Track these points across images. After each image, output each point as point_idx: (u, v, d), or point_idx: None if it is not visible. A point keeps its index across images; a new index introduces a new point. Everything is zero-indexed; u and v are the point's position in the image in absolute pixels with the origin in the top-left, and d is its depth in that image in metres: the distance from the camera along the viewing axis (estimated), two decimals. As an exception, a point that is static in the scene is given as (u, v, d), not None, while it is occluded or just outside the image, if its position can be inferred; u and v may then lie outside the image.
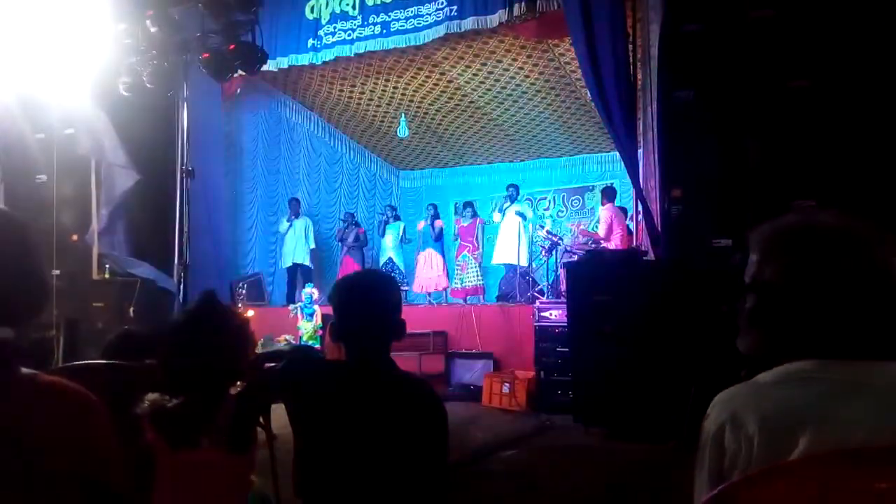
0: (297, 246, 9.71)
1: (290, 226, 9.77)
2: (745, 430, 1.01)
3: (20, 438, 0.98)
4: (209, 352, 1.74)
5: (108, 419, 1.09)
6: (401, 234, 10.15)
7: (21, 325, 1.07)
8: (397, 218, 10.38)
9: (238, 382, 1.90)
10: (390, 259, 10.04)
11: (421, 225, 9.77)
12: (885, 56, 4.42)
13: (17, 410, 1.00)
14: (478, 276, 9.27)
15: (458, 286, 9.34)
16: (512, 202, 9.16)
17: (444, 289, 9.47)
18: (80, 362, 2.43)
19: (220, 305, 1.86)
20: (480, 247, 9.54)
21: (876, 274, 1.02)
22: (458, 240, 9.58)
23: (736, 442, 1.02)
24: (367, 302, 1.80)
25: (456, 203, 10.86)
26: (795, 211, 1.10)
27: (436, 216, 9.75)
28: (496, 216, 9.34)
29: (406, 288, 9.35)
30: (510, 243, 8.94)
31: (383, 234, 10.28)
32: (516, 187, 9.45)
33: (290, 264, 9.73)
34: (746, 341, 1.14)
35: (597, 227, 9.04)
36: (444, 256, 9.62)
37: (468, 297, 9.13)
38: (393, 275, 8.83)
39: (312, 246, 9.89)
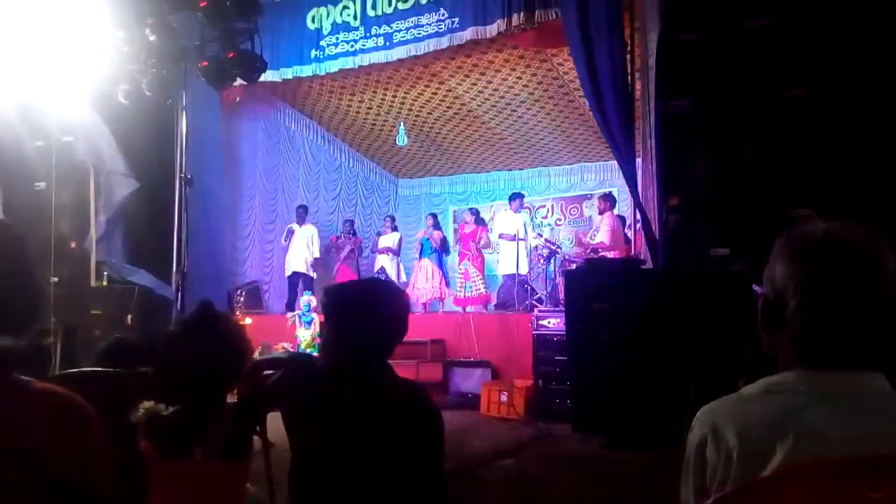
0: (300, 254, 9.63)
1: (292, 234, 9.68)
2: (725, 442, 1.00)
3: (11, 445, 0.97)
4: (207, 359, 1.73)
5: (100, 426, 1.08)
6: (396, 243, 10.10)
7: (17, 333, 1.06)
8: (395, 228, 10.36)
9: (235, 390, 1.89)
10: (382, 268, 9.97)
11: (420, 234, 9.72)
12: (881, 65, 4.43)
13: (8, 417, 0.99)
14: (483, 284, 9.06)
15: (462, 295, 9.06)
16: (516, 210, 9.10)
17: (443, 298, 9.34)
18: (72, 370, 2.42)
19: (218, 313, 1.86)
20: (482, 254, 9.37)
21: (878, 286, 0.99)
22: (459, 246, 9.45)
23: (717, 455, 1.00)
24: (355, 310, 1.79)
25: (455, 211, 10.83)
26: (810, 219, 1.06)
27: (435, 227, 9.69)
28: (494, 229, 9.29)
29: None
30: (510, 254, 8.89)
31: (376, 248, 10.22)
32: (521, 197, 9.35)
33: (292, 272, 9.63)
34: (763, 340, 1.11)
35: (595, 235, 9.00)
36: (441, 268, 9.50)
37: (468, 307, 8.91)
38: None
39: (316, 255, 9.76)
